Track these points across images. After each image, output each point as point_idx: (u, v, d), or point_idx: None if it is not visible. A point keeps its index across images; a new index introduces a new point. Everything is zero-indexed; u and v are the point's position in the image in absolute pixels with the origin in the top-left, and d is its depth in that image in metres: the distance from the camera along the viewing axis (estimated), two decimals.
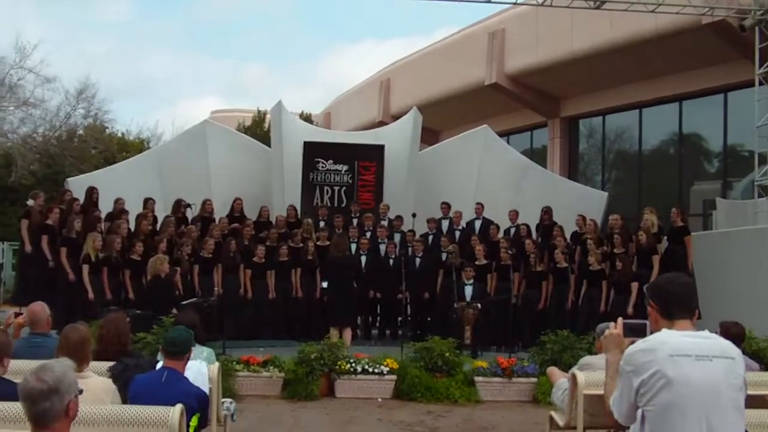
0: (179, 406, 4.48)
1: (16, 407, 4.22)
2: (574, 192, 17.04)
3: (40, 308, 6.39)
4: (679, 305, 3.33)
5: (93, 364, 5.38)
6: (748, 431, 3.44)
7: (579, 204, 15.23)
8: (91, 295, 12.00)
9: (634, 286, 12.12)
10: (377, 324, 14.63)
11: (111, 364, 5.64)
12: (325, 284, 13.15)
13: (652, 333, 3.39)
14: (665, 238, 13.30)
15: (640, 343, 3.27)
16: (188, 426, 4.76)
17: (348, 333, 12.19)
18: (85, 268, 12.09)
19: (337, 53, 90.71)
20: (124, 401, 4.99)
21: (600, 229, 14.27)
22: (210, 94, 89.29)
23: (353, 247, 13.71)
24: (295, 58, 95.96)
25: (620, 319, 3.70)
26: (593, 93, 22.90)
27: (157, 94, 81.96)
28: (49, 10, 71.39)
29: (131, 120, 69.22)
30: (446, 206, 15.03)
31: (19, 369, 5.21)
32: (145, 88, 78.72)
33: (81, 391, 3.41)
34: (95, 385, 4.74)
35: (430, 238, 14.42)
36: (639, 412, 3.25)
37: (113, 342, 6.13)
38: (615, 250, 12.90)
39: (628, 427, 3.41)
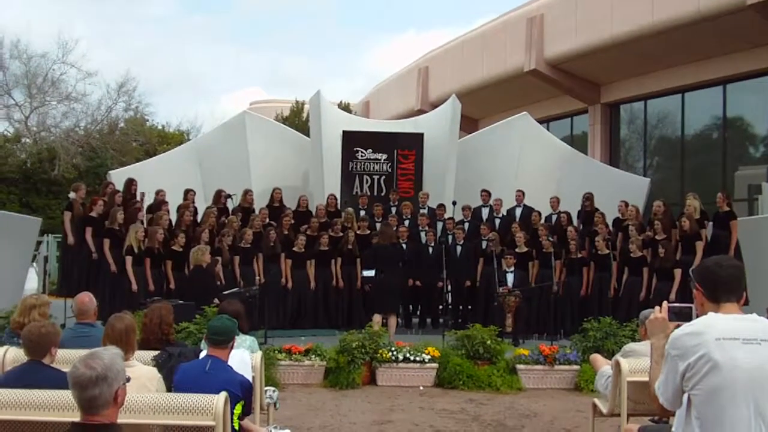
0: (223, 394, 4.51)
1: (64, 395, 4.29)
2: (616, 178, 16.88)
3: (87, 298, 6.50)
4: (726, 288, 3.27)
5: (138, 353, 5.45)
6: None
7: (621, 191, 15.08)
8: (134, 286, 12.15)
9: (677, 272, 11.98)
10: (418, 313, 14.62)
11: (155, 353, 5.71)
12: (366, 273, 13.15)
13: (697, 317, 3.34)
14: (710, 223, 13.10)
15: (686, 327, 3.22)
16: (232, 414, 4.80)
17: (393, 320, 12.21)
18: (128, 259, 12.24)
19: (378, 44, 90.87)
20: (169, 389, 5.04)
21: (642, 216, 14.12)
22: (252, 86, 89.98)
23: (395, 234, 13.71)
24: (337, 49, 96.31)
25: (665, 303, 3.64)
26: (634, 78, 22.57)
27: (199, 87, 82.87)
28: (94, 6, 72.35)
29: (173, 113, 69.68)
30: (486, 194, 14.97)
31: (66, 358, 5.29)
32: (187, 81, 79.62)
33: (128, 379, 3.45)
34: (141, 373, 4.80)
35: (466, 225, 14.37)
36: (685, 396, 3.20)
37: (157, 331, 6.22)
38: (657, 237, 12.74)
39: (673, 414, 3.37)
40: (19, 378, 4.78)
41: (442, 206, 14.83)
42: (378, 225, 14.04)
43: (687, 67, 20.71)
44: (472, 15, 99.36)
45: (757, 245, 12.96)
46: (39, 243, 19.06)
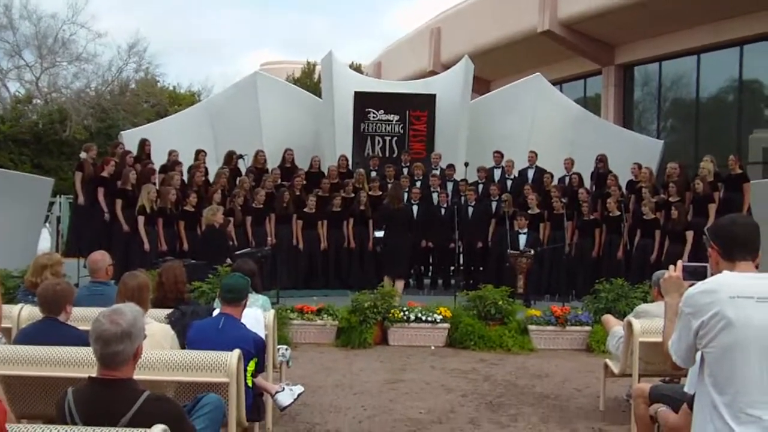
0: (237, 351, 4.55)
1: (80, 351, 4.33)
2: (629, 141, 16.77)
3: (101, 257, 6.53)
4: (742, 246, 3.25)
5: (151, 311, 5.49)
6: None
7: (634, 153, 14.98)
8: (147, 245, 12.20)
9: (689, 234, 11.94)
10: (430, 273, 14.65)
11: (169, 311, 5.75)
12: (378, 234, 13.17)
13: (712, 276, 3.33)
14: (722, 186, 13.03)
15: (700, 285, 3.21)
16: (246, 371, 4.84)
17: (401, 284, 12.24)
18: (141, 219, 12.28)
19: (394, 5, 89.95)
20: (183, 347, 5.08)
21: (655, 178, 14.05)
22: (265, 48, 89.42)
23: (404, 196, 13.69)
24: (353, 11, 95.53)
25: (680, 262, 3.63)
26: (649, 39, 22.32)
27: (218, 49, 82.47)
28: None
29: (184, 74, 69.56)
30: (499, 155, 14.91)
31: (81, 316, 5.35)
32: (206, 44, 79.23)
33: (145, 336, 3.48)
34: (154, 330, 4.84)
35: (480, 187, 14.34)
36: (698, 354, 3.20)
37: (171, 290, 6.26)
38: (671, 199, 12.68)
39: (684, 374, 3.37)
40: (35, 335, 4.83)
41: (451, 166, 14.79)
42: (389, 186, 14.02)
43: (702, 27, 20.44)
44: None
45: None
46: (51, 204, 19.15)
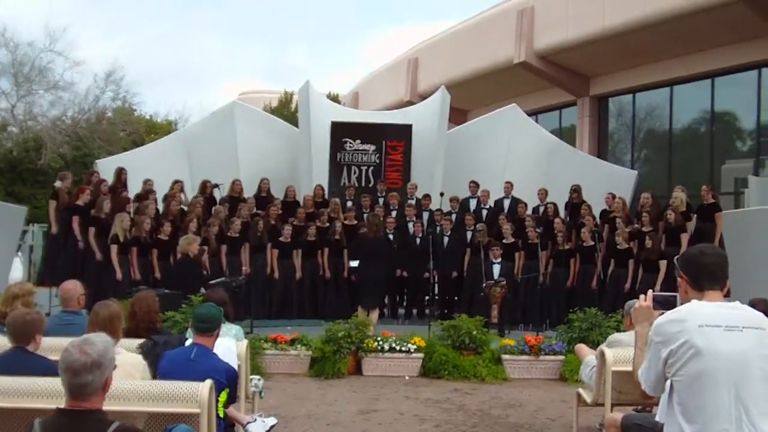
0: (209, 382, 4.51)
1: (48, 382, 4.27)
2: (604, 171, 16.92)
3: (73, 286, 6.46)
4: (710, 276, 3.30)
5: (123, 341, 5.43)
6: None
7: (608, 183, 15.12)
8: (119, 275, 12.11)
9: (663, 264, 12.05)
10: (404, 303, 14.64)
11: (141, 341, 5.69)
12: (353, 263, 13.18)
13: (681, 305, 3.37)
14: (695, 216, 13.18)
15: (669, 314, 3.25)
16: (217, 401, 4.79)
17: (375, 314, 12.22)
18: (114, 248, 12.20)
19: (371, 37, 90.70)
20: (154, 377, 5.03)
21: (629, 208, 14.18)
22: (247, 77, 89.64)
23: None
24: (329, 42, 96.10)
25: (650, 292, 3.68)
26: (623, 71, 22.62)
27: (195, 78, 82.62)
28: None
29: (161, 103, 69.60)
30: (474, 185, 14.98)
31: (52, 346, 5.27)
32: (178, 73, 79.36)
33: (115, 366, 3.44)
34: (125, 360, 4.79)
35: (454, 216, 14.39)
36: (668, 383, 3.23)
37: (144, 319, 6.20)
38: (644, 228, 12.80)
39: (656, 403, 3.39)
40: (3, 365, 4.76)
41: (427, 196, 14.84)
42: (366, 216, 14.04)
43: (676, 60, 20.79)
44: (464, 7, 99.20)
45: (742, 238, 13.02)
46: (24, 232, 18.99)
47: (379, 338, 10.20)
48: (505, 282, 12.45)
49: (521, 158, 16.27)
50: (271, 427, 5.63)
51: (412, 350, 10.14)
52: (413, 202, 14.74)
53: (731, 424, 3.06)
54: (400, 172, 16.13)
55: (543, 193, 14.81)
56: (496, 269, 12.88)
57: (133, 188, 14.14)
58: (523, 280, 13.07)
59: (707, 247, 3.48)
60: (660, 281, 11.93)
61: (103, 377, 3.29)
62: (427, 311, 13.77)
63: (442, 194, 14.67)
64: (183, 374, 4.76)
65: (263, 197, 14.67)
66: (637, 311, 3.63)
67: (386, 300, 13.97)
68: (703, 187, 13.43)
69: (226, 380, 5.06)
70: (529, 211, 14.38)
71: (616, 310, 10.22)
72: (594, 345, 8.28)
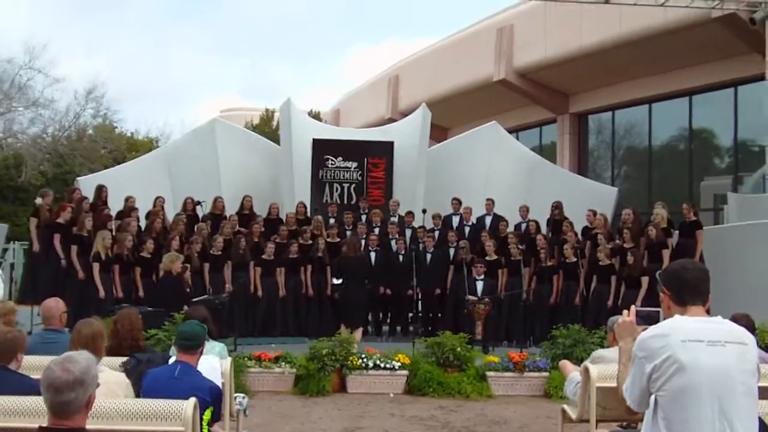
0: (192, 400, 4.48)
1: (30, 401, 4.24)
2: (584, 188, 17.03)
3: (54, 304, 6.41)
4: (692, 291, 3.33)
5: (106, 359, 5.40)
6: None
7: (589, 200, 15.21)
8: (101, 293, 12.03)
9: (645, 280, 12.12)
10: (388, 320, 14.62)
11: (124, 359, 5.66)
12: (336, 281, 13.16)
13: (664, 320, 3.39)
14: (676, 232, 13.28)
15: (653, 329, 3.28)
16: (201, 420, 4.77)
17: (359, 332, 12.23)
18: (96, 266, 12.13)
19: (351, 54, 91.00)
20: (137, 395, 5.00)
21: (610, 224, 14.26)
22: (228, 94, 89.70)
23: (362, 243, 13.72)
24: (311, 59, 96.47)
25: (633, 307, 3.71)
26: (602, 88, 22.83)
27: (176, 95, 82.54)
28: (71, 14, 71.78)
29: (142, 120, 69.43)
30: (457, 202, 15.02)
31: (33, 365, 5.24)
32: (165, 89, 79.30)
33: (98, 384, 3.42)
34: (108, 378, 4.75)
35: (436, 233, 14.42)
36: (652, 398, 3.25)
37: (126, 337, 6.16)
38: (626, 245, 12.88)
39: (641, 419, 3.41)
40: None
41: (410, 213, 14.86)
42: (348, 233, 14.04)
43: (654, 78, 21.01)
44: (445, 25, 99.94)
45: (721, 254, 13.13)
46: (5, 250, 18.84)
47: (363, 355, 10.19)
48: (488, 299, 12.47)
49: (502, 175, 16.34)
50: None
51: (396, 367, 10.13)
52: (396, 219, 14.76)
53: None
54: (382, 190, 16.15)
55: (524, 210, 14.87)
56: (480, 286, 12.89)
57: (115, 206, 14.06)
58: (507, 296, 13.09)
59: (689, 263, 3.52)
60: (642, 297, 11.99)
61: (86, 395, 3.26)
62: (411, 328, 13.76)
63: (424, 211, 14.70)
64: (167, 392, 4.73)
65: (245, 215, 14.64)
66: (621, 327, 3.65)
67: (369, 318, 13.96)
68: (684, 204, 13.55)
69: (211, 398, 5.04)
70: (511, 228, 14.42)
71: (600, 326, 10.27)
72: (578, 361, 8.29)
